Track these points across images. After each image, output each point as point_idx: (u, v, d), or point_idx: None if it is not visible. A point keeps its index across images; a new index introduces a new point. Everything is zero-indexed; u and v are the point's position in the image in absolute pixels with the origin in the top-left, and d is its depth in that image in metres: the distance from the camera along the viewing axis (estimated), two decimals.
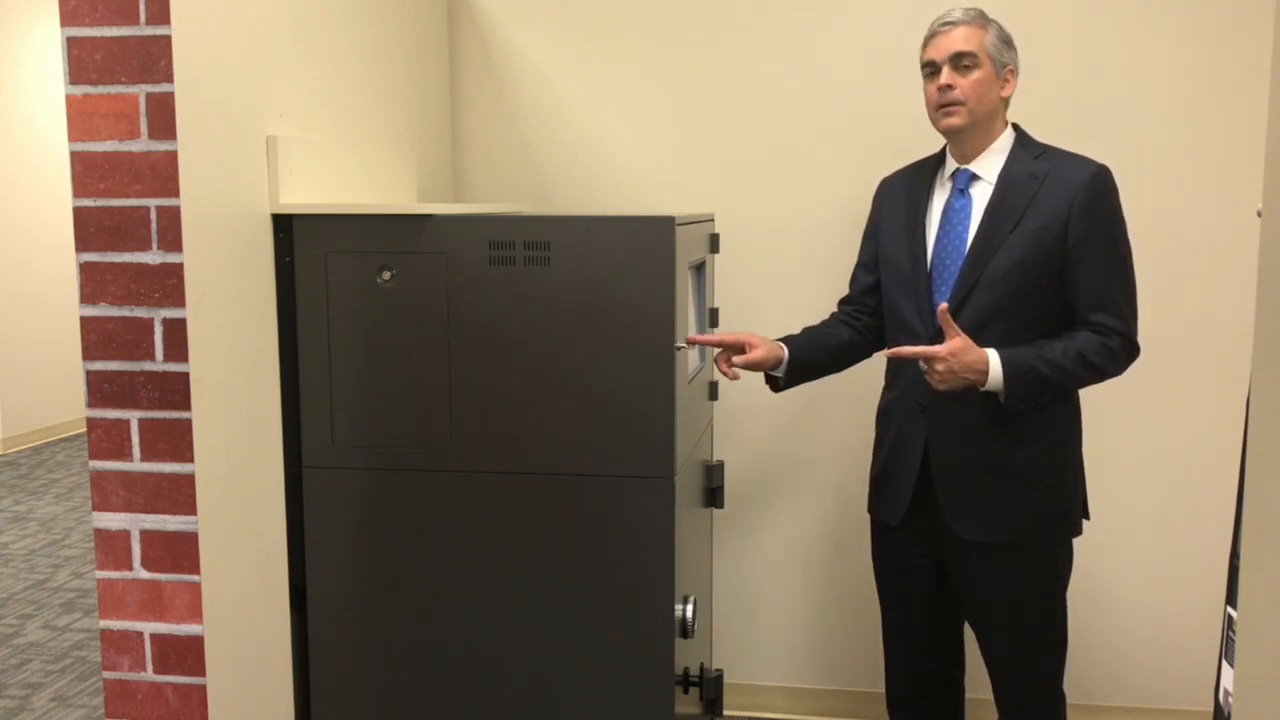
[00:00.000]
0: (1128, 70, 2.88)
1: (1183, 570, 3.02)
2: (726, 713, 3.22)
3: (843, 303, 2.54)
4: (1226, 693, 2.09)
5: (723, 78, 3.06)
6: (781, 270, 3.09)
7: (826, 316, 2.55)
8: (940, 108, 2.23)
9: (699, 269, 2.47)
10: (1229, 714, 2.04)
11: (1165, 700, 3.07)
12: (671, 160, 3.12)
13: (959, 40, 2.20)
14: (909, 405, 2.31)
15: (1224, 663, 2.11)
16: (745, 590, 3.21)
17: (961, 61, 2.20)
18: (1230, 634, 2.06)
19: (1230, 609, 2.07)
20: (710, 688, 2.33)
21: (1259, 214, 1.84)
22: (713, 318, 2.64)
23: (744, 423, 3.16)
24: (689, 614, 2.15)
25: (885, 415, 2.40)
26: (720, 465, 2.63)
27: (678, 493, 2.09)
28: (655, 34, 3.08)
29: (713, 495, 2.62)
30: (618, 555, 2.08)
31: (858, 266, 2.50)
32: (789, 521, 3.17)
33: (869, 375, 3.07)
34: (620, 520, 2.08)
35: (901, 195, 2.39)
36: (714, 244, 2.61)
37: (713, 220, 2.71)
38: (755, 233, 3.09)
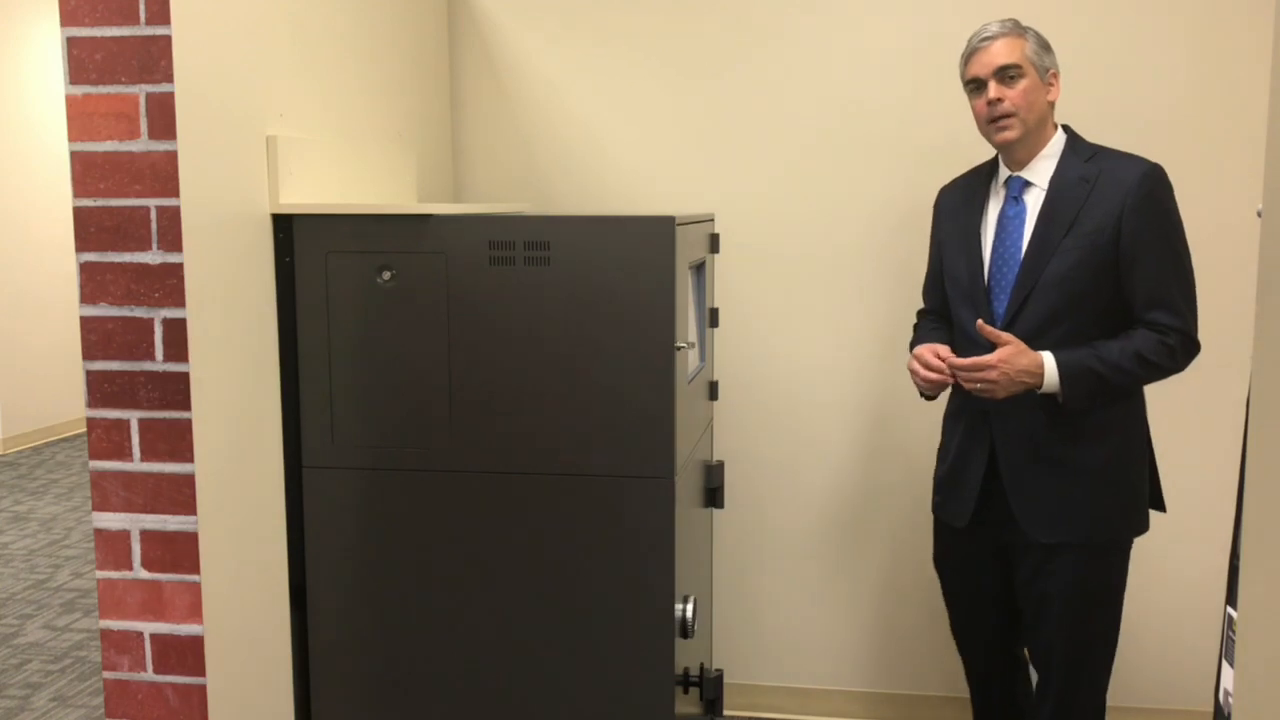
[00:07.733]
0: (1127, 70, 2.88)
1: (1183, 570, 3.01)
2: (726, 713, 3.21)
3: (922, 314, 2.54)
4: (1226, 693, 2.09)
5: (723, 77, 3.06)
6: (781, 270, 3.09)
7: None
8: (992, 122, 2.23)
9: (699, 269, 2.47)
10: (1229, 714, 2.04)
11: (1165, 700, 3.07)
12: (671, 160, 3.12)
13: (1000, 53, 2.20)
14: (974, 409, 2.31)
15: (1224, 663, 2.11)
16: (745, 590, 3.21)
17: (1007, 74, 2.20)
18: (1230, 634, 2.06)
19: (1230, 609, 2.07)
20: (710, 688, 2.33)
21: (1259, 214, 1.84)
22: (713, 318, 2.64)
23: (744, 423, 3.16)
24: (689, 614, 2.15)
25: (952, 419, 2.41)
26: (720, 465, 2.63)
27: (678, 493, 2.09)
28: (655, 34, 3.08)
29: (713, 495, 2.62)
30: (617, 555, 2.08)
31: (928, 277, 2.51)
32: (789, 521, 3.17)
33: (866, 376, 3.07)
34: (620, 520, 2.07)
35: (959, 205, 2.38)
36: (714, 244, 2.61)
37: (713, 220, 2.70)
38: (755, 233, 3.09)
